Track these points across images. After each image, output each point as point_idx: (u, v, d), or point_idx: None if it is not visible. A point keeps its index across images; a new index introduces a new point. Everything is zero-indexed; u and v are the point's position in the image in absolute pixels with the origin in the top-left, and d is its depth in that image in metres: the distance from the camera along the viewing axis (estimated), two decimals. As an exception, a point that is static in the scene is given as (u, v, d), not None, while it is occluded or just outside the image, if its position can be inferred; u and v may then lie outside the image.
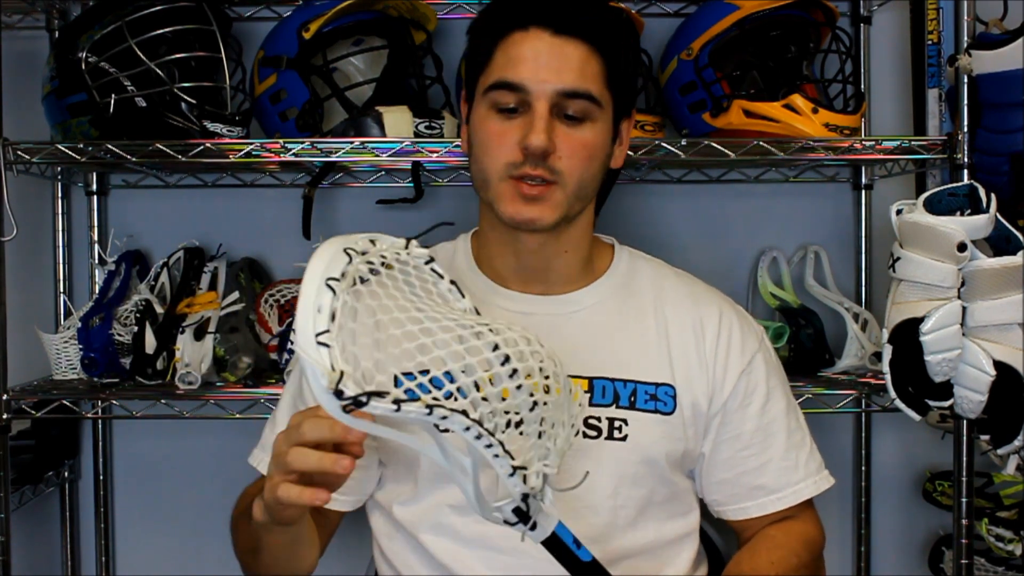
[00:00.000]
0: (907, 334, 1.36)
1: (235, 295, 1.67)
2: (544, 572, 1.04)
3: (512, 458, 0.84)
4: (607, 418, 1.17)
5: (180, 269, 1.73)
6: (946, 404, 1.38)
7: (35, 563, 1.83)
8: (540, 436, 0.88)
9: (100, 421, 1.82)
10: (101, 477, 1.83)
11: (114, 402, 1.63)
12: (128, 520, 1.87)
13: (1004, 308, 1.33)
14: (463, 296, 0.93)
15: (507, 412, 0.84)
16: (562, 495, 1.14)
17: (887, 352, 1.39)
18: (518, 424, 0.85)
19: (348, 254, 0.82)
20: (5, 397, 1.54)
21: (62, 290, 1.80)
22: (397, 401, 0.76)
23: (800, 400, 1.29)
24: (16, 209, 1.50)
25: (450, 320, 0.85)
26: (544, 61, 1.11)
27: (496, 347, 0.85)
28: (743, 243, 1.84)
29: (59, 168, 1.74)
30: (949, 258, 1.32)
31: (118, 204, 1.84)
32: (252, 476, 1.26)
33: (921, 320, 1.34)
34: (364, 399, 0.75)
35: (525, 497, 0.88)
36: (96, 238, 1.81)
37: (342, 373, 0.75)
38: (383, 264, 0.86)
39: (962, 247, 1.31)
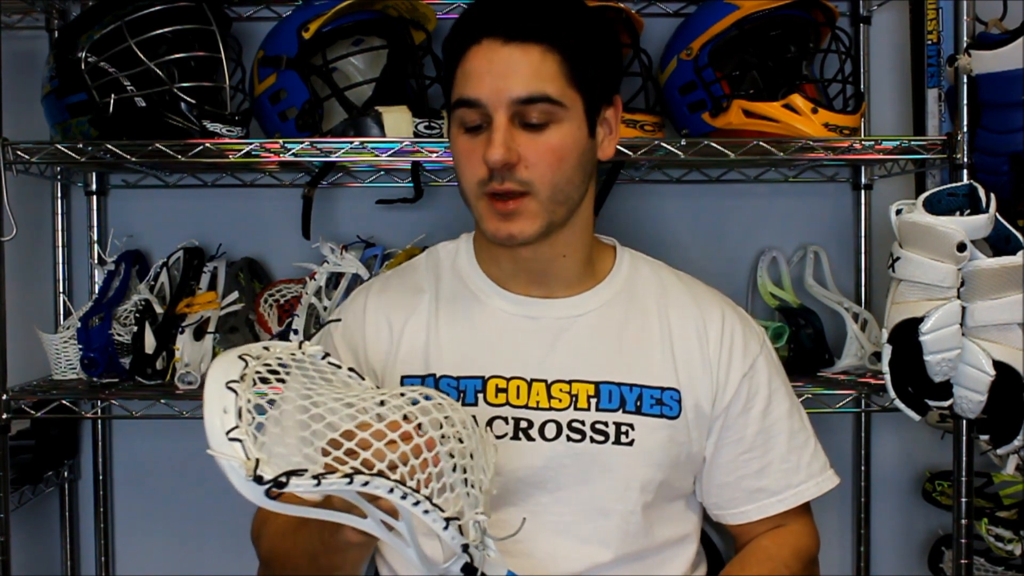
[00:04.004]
0: (907, 334, 1.36)
1: (235, 295, 1.67)
2: (540, 572, 1.03)
3: (442, 511, 0.85)
4: (614, 423, 1.16)
5: (180, 269, 1.72)
6: (946, 404, 1.38)
7: (35, 563, 1.83)
8: (466, 485, 0.89)
9: (100, 421, 1.82)
10: (101, 477, 1.83)
11: (114, 402, 1.62)
12: (128, 520, 1.87)
13: (1004, 308, 1.33)
14: (363, 378, 0.96)
15: (427, 470, 0.86)
16: (574, 500, 1.14)
17: (887, 352, 1.39)
18: (440, 476, 0.87)
19: (244, 359, 0.85)
20: (5, 397, 1.54)
21: (62, 290, 1.80)
22: (317, 476, 0.78)
23: (800, 400, 1.29)
24: (16, 209, 1.50)
25: (353, 396, 0.88)
26: (498, 71, 1.09)
27: (405, 408, 0.87)
28: (743, 243, 1.84)
29: (59, 168, 1.74)
30: (949, 258, 1.32)
31: (118, 204, 1.84)
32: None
33: (921, 320, 1.34)
34: (284, 479, 0.77)
35: (466, 548, 0.88)
36: (96, 238, 1.81)
37: (258, 460, 0.77)
38: (280, 365, 0.88)
39: (962, 247, 1.30)
